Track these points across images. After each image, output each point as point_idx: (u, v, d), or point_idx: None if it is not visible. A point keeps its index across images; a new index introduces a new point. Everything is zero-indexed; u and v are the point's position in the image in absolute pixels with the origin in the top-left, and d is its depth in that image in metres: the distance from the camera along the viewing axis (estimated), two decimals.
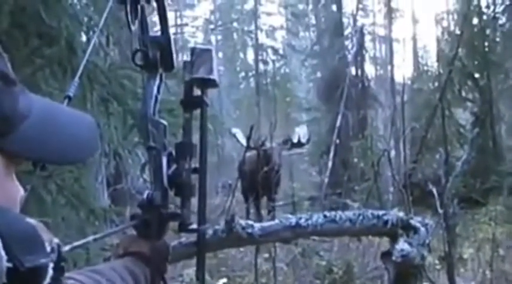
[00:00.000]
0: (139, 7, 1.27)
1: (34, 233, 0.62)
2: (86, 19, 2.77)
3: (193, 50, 1.36)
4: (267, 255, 6.00)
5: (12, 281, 0.57)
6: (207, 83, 1.37)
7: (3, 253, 0.57)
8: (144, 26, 1.31)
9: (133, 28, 1.26)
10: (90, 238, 1.10)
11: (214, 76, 1.36)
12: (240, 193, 9.58)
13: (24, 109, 0.68)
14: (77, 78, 1.00)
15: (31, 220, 0.63)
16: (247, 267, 6.12)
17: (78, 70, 1.13)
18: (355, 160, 11.17)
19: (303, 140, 8.97)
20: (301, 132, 9.11)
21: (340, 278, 5.85)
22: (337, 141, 11.64)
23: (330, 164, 11.67)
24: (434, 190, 5.01)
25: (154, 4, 1.36)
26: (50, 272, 0.61)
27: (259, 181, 7.58)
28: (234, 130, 9.25)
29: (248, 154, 8.42)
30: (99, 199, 6.60)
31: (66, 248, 0.92)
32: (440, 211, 4.75)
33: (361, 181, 10.08)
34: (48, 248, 0.62)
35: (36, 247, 0.61)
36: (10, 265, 0.57)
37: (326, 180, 11.48)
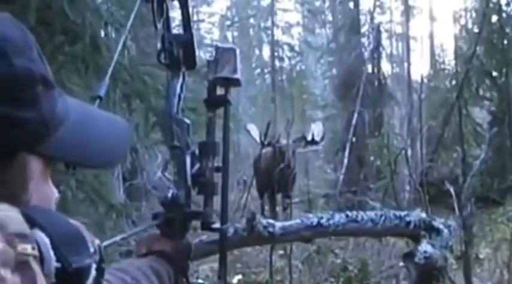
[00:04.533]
0: (164, 5, 1.28)
1: (79, 234, 0.63)
2: (106, 14, 2.77)
3: (217, 49, 1.37)
4: (282, 252, 6.01)
5: (59, 281, 0.59)
6: (231, 82, 1.37)
7: (52, 253, 0.58)
8: (167, 24, 1.31)
9: (159, 26, 1.27)
10: (118, 237, 1.11)
11: (238, 75, 1.36)
12: (254, 190, 9.59)
13: (62, 113, 0.69)
14: (107, 78, 1.00)
15: (74, 221, 0.64)
16: (262, 264, 6.13)
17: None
18: (371, 158, 11.11)
19: (317, 138, 8.88)
20: (316, 130, 9.04)
21: (355, 277, 5.84)
22: (354, 139, 11.57)
23: (345, 161, 11.61)
24: (452, 190, 4.97)
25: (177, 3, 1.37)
26: (93, 272, 0.62)
27: (274, 178, 7.58)
28: (249, 126, 9.23)
29: (263, 150, 8.42)
30: (115, 194, 6.65)
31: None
32: (458, 211, 4.72)
33: (377, 179, 10.03)
34: (92, 249, 0.63)
35: (81, 247, 0.62)
36: (59, 265, 0.58)
37: (341, 178, 11.43)
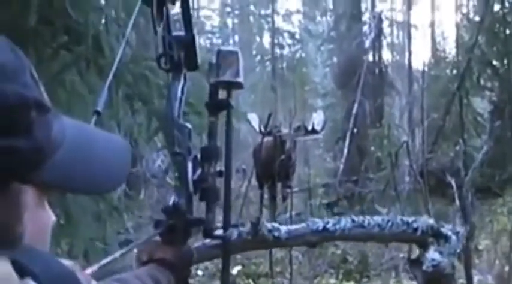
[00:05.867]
0: (164, 9, 1.25)
1: (73, 278, 0.60)
2: (107, 10, 2.72)
3: (219, 52, 1.34)
4: None
5: None
6: (233, 86, 1.35)
7: None
8: (168, 28, 1.28)
9: (159, 30, 1.24)
10: (117, 253, 1.08)
11: (241, 79, 1.33)
12: (253, 178, 9.55)
13: (57, 138, 0.66)
14: (105, 91, 0.97)
15: (67, 262, 0.61)
16: (262, 255, 6.13)
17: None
18: (372, 148, 11.09)
19: (318, 127, 8.80)
20: (316, 119, 8.98)
21: (355, 268, 5.85)
22: (355, 130, 11.53)
23: (345, 151, 11.59)
24: (453, 182, 4.96)
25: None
26: None
27: (275, 168, 7.56)
28: (250, 116, 9.18)
29: (264, 140, 8.38)
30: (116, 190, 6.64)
31: (95, 267, 0.91)
32: (459, 203, 4.71)
33: (377, 169, 10.01)
34: None
35: None
36: None
37: (341, 167, 11.41)
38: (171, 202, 1.24)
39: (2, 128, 0.58)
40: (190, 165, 1.28)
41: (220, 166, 1.35)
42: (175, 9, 1.53)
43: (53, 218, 0.71)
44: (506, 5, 11.90)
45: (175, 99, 1.30)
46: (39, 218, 0.68)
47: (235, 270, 5.86)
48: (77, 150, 0.69)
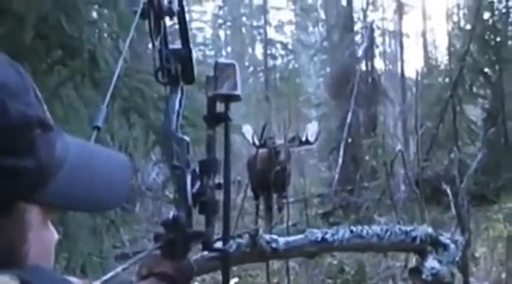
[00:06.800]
0: (161, 22, 1.25)
1: None
2: (100, 23, 2.73)
3: (216, 65, 1.34)
4: None
5: None
6: (231, 98, 1.35)
7: None
8: (165, 41, 1.29)
9: (156, 43, 1.25)
10: (119, 268, 1.08)
11: (238, 91, 1.34)
12: (248, 189, 9.53)
13: (60, 156, 0.66)
14: (104, 107, 0.97)
15: (75, 279, 0.61)
16: (259, 266, 6.10)
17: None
18: (366, 157, 11.10)
19: (311, 138, 8.80)
20: (310, 130, 8.98)
21: (352, 278, 5.84)
22: (349, 140, 11.56)
23: (340, 161, 11.61)
24: (449, 190, 4.97)
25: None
26: None
27: (270, 179, 7.55)
28: (244, 128, 9.18)
29: (259, 151, 8.37)
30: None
31: (97, 283, 0.91)
32: (455, 211, 4.72)
33: (372, 178, 10.02)
34: None
35: None
36: None
37: (336, 177, 11.43)
38: (170, 216, 1.24)
39: (5, 147, 0.58)
40: (189, 178, 1.27)
41: (219, 179, 1.35)
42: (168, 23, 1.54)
43: (56, 236, 0.70)
44: (496, 12, 12.01)
45: (173, 112, 1.30)
46: (43, 237, 0.67)
47: (232, 282, 5.83)
48: (79, 168, 0.69)
